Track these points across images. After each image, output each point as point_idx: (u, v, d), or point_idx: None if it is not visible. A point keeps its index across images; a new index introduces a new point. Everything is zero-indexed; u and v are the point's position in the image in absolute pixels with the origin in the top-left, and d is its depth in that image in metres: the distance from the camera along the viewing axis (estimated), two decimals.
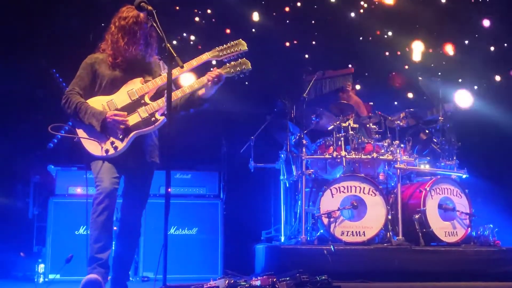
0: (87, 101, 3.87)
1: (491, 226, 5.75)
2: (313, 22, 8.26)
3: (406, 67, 8.43)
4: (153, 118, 3.86)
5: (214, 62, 4.08)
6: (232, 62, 3.99)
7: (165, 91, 3.88)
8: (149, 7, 3.58)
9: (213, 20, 7.83)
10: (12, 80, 6.56)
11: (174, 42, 7.39)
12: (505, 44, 8.36)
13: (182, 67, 3.55)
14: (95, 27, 4.11)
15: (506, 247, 5.48)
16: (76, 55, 4.09)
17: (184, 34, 7.68)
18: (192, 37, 7.77)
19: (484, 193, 6.85)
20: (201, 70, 4.10)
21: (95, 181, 3.79)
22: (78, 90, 3.90)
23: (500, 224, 6.01)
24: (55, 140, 6.17)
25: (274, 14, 8.06)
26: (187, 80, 4.63)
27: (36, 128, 6.20)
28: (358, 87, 7.51)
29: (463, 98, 7.42)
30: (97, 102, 3.87)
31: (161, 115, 3.87)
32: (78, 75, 3.96)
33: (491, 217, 6.18)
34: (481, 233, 5.72)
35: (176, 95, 3.91)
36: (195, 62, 3.95)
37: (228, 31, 7.67)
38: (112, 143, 3.78)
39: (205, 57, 3.98)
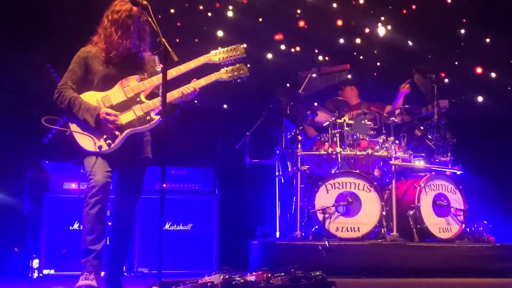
0: (81, 95, 3.84)
1: (485, 222, 5.76)
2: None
3: None
4: (148, 117, 3.84)
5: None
6: (229, 67, 4.00)
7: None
8: (144, 2, 3.56)
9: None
10: (6, 74, 6.53)
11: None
12: None
13: (177, 61, 3.54)
14: (90, 22, 4.08)
15: (500, 243, 5.49)
16: (71, 50, 4.06)
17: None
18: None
19: (478, 190, 6.86)
20: (200, 71, 4.09)
21: (88, 175, 3.77)
22: (71, 84, 3.87)
23: (494, 220, 6.03)
24: (50, 135, 6.14)
25: None
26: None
27: (31, 123, 6.16)
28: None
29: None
30: (92, 97, 3.84)
31: (157, 114, 3.86)
32: (70, 69, 3.93)
33: (485, 213, 6.20)
34: (475, 229, 5.74)
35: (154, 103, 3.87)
36: (193, 64, 3.95)
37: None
38: (106, 139, 3.77)
39: (203, 59, 3.98)
